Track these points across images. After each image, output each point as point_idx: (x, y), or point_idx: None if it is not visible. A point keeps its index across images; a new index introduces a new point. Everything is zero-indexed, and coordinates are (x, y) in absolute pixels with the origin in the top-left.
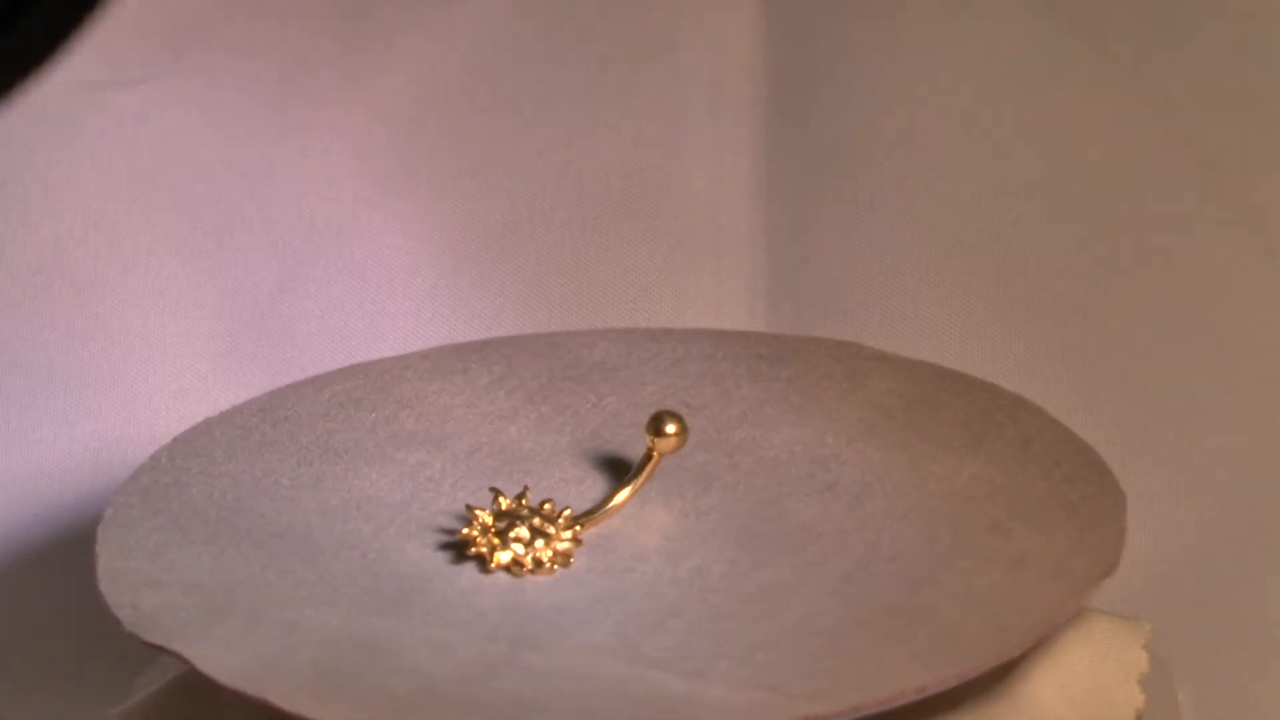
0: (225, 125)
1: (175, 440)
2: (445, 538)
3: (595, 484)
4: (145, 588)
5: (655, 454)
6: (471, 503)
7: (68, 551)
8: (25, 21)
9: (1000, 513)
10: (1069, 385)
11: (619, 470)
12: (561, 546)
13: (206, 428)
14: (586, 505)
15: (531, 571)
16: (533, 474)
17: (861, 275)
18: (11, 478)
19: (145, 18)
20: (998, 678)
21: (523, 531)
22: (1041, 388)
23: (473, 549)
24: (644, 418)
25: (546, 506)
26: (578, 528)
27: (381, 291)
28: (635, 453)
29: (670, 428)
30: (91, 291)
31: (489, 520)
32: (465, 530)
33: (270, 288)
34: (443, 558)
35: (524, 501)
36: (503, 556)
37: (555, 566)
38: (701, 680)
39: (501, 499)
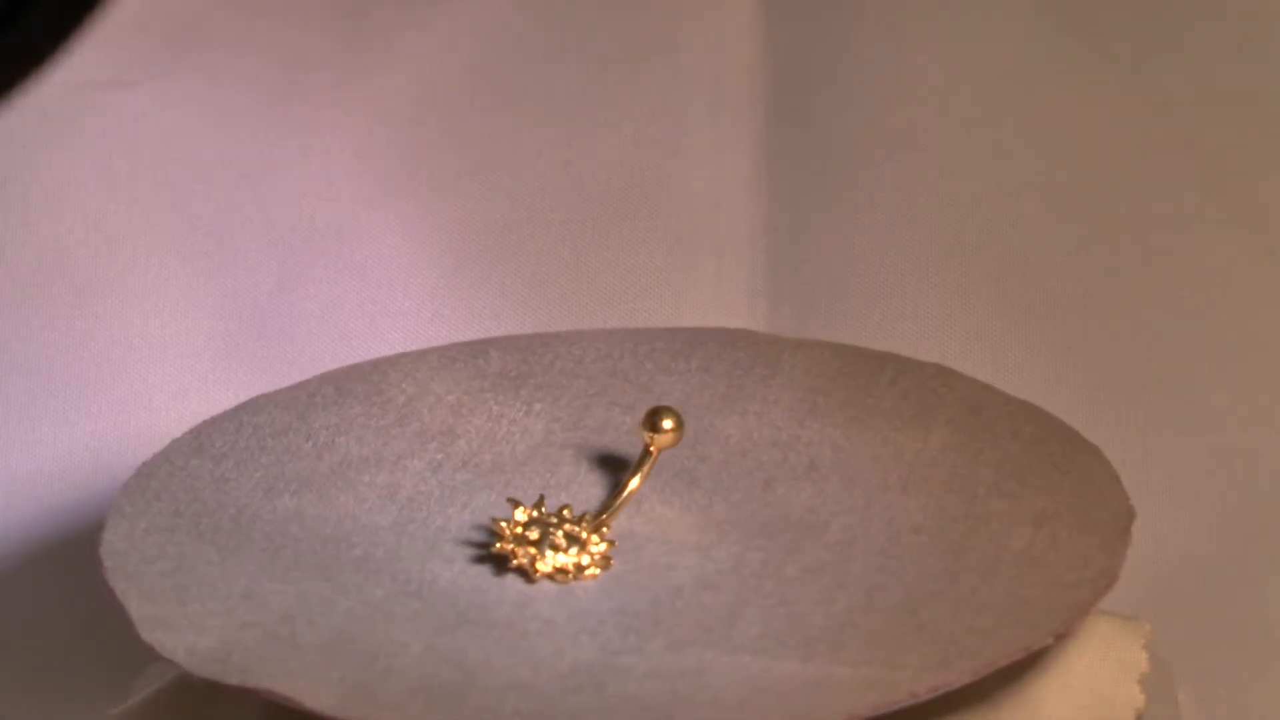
0: (225, 125)
1: (174, 443)
2: (473, 551)
3: (591, 484)
4: (191, 630)
5: (654, 450)
6: (480, 511)
7: (68, 552)
8: (25, 21)
9: (992, 476)
10: (1069, 385)
11: (608, 469)
12: (598, 550)
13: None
14: (586, 506)
15: (575, 577)
16: (531, 474)
17: (861, 275)
18: (11, 478)
19: (145, 18)
20: (998, 679)
21: (559, 538)
22: (1041, 388)
23: (514, 561)
24: (611, 416)
25: (566, 512)
26: (605, 529)
27: (381, 291)
28: (621, 451)
29: (667, 423)
30: (91, 291)
31: (519, 530)
32: (499, 545)
33: (270, 288)
34: (478, 572)
35: (543, 509)
36: (546, 565)
37: (597, 570)
38: (815, 662)
39: (521, 509)
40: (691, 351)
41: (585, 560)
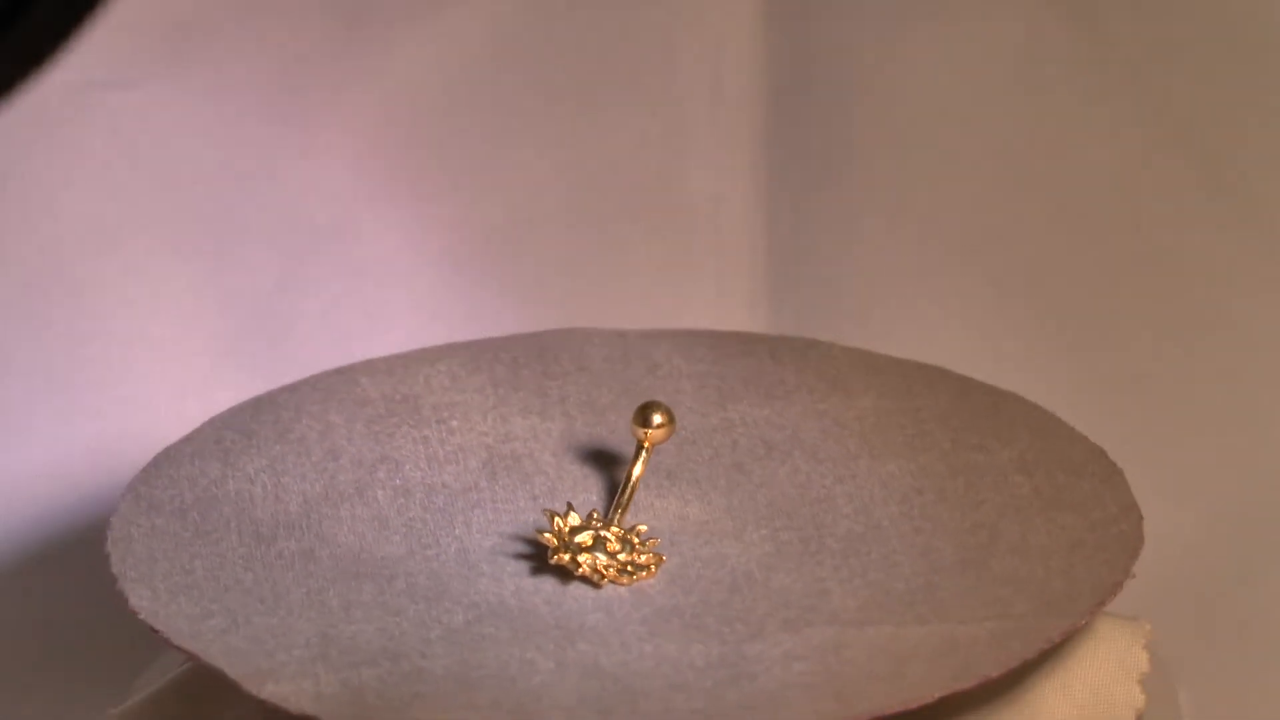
0: (225, 125)
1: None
2: (517, 564)
3: (588, 483)
4: (305, 679)
5: (648, 445)
6: (492, 521)
7: (67, 552)
8: (25, 21)
9: (945, 431)
10: (1069, 385)
11: (601, 468)
12: (649, 549)
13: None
14: (587, 505)
15: (638, 577)
16: (530, 477)
17: (861, 275)
18: (11, 478)
19: (145, 18)
20: (998, 679)
21: (613, 542)
22: (1041, 388)
23: (579, 570)
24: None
25: (594, 515)
26: (642, 528)
27: (381, 291)
28: (611, 448)
29: (658, 418)
30: (91, 291)
31: (568, 538)
32: (556, 556)
33: (270, 288)
34: (537, 585)
35: (572, 514)
36: (611, 570)
37: (656, 569)
38: (932, 625)
39: (558, 518)
40: (540, 352)
41: (642, 559)
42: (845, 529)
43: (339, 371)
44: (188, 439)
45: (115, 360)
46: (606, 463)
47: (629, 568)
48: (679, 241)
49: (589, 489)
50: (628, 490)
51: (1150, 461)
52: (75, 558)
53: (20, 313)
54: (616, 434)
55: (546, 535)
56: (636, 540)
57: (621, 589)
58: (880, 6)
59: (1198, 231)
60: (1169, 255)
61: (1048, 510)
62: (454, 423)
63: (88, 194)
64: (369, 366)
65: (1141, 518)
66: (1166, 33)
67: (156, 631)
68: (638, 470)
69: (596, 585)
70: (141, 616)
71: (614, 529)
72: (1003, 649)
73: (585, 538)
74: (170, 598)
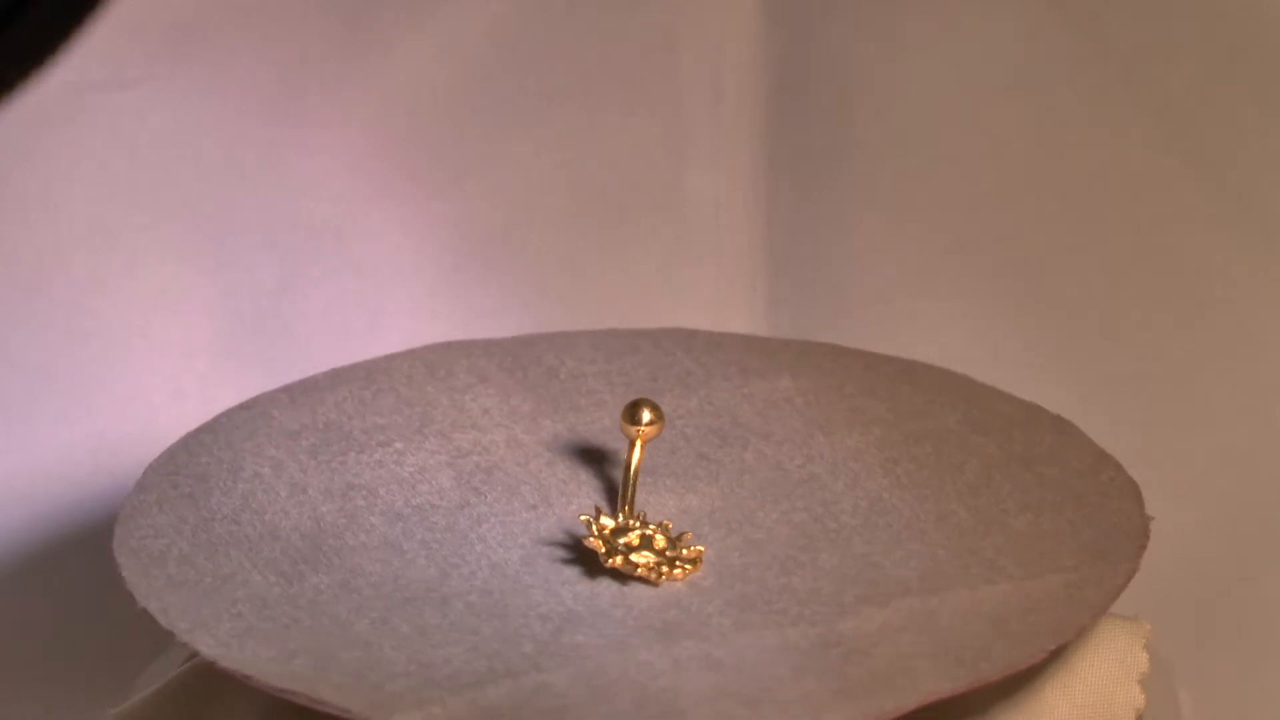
0: (225, 125)
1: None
2: (559, 568)
3: (586, 483)
4: (417, 710)
5: (640, 442)
6: (507, 525)
7: (67, 552)
8: (25, 21)
9: (880, 405)
10: (1069, 385)
11: (596, 467)
12: (687, 543)
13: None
14: (587, 504)
15: (689, 572)
16: (516, 486)
17: (861, 275)
18: (11, 478)
19: (145, 18)
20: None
21: (659, 540)
22: (1042, 388)
23: (637, 571)
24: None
25: (635, 514)
26: (668, 524)
27: (381, 291)
28: (603, 446)
29: (646, 415)
30: (91, 291)
31: (613, 541)
32: (610, 560)
33: (270, 288)
34: (595, 589)
35: (603, 516)
36: (668, 567)
37: (701, 561)
38: (1000, 583)
39: (594, 524)
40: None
41: (685, 553)
42: (850, 504)
43: (244, 407)
44: (140, 488)
45: (115, 360)
46: (587, 462)
47: (677, 563)
48: (679, 241)
49: (578, 492)
50: (630, 487)
51: (1150, 461)
52: (75, 558)
53: (20, 312)
54: (566, 435)
55: (591, 540)
56: (676, 536)
57: (677, 584)
58: (880, 6)
59: (1198, 231)
60: (1169, 255)
61: (1029, 466)
62: (397, 445)
63: (88, 194)
64: (271, 399)
65: (1119, 464)
66: (1166, 33)
67: (248, 677)
68: (635, 467)
69: (654, 583)
70: (223, 665)
71: (652, 528)
72: (1081, 599)
73: (632, 537)
74: (240, 644)
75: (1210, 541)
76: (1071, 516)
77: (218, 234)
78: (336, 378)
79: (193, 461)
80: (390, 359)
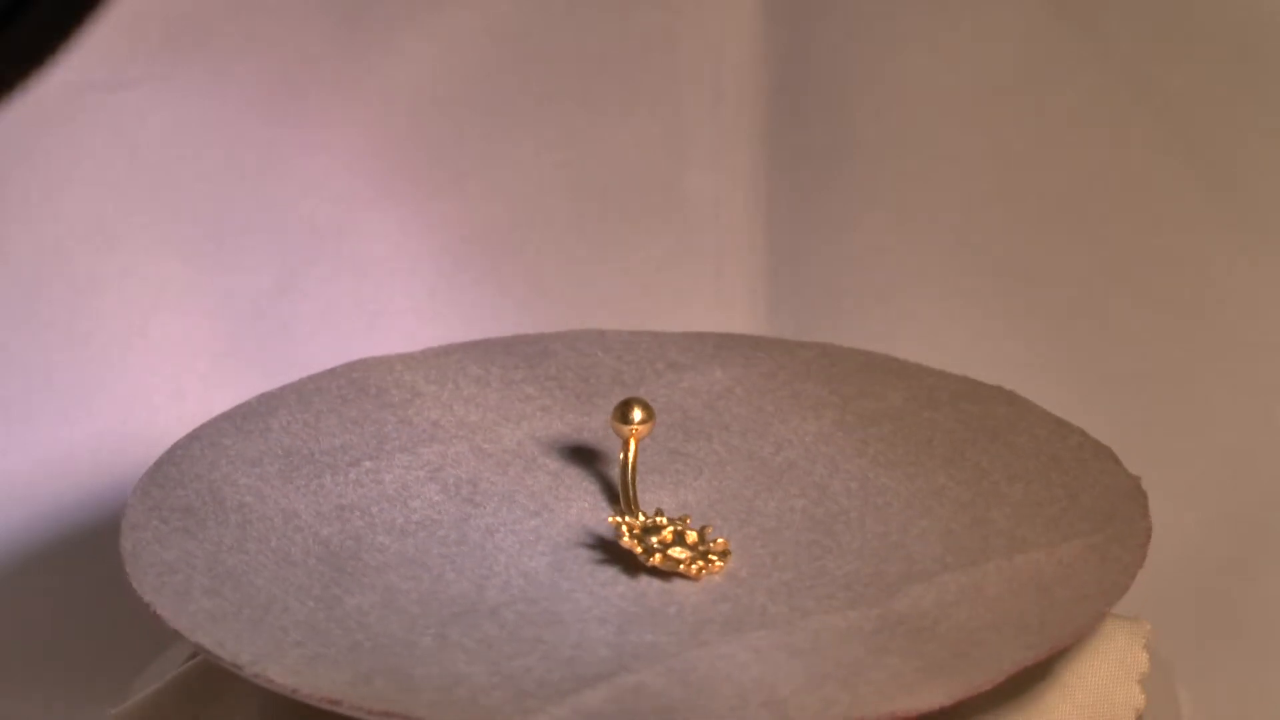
0: (225, 125)
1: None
2: (592, 570)
3: (569, 489)
4: (487, 715)
5: (634, 440)
6: (517, 538)
7: (67, 552)
8: (25, 21)
9: (821, 389)
10: (1069, 385)
11: (592, 466)
12: (711, 536)
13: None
14: (587, 503)
15: (722, 566)
16: (511, 494)
17: (862, 275)
18: (11, 478)
19: (145, 18)
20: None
21: (690, 535)
22: (1042, 388)
23: (680, 568)
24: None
25: (660, 512)
26: (688, 519)
27: (381, 291)
28: (597, 446)
29: (638, 414)
30: (91, 291)
31: (646, 540)
32: (651, 559)
33: (270, 288)
34: (639, 589)
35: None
36: (706, 562)
37: (730, 557)
38: (1030, 551)
39: (622, 525)
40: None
41: (718, 548)
42: (842, 487)
43: (192, 438)
44: (131, 524)
45: (115, 360)
46: (567, 465)
47: (709, 556)
48: (679, 241)
49: (571, 495)
50: (630, 487)
51: (1150, 461)
52: (75, 558)
53: (20, 313)
54: (530, 442)
55: (626, 540)
56: (706, 534)
57: (716, 577)
58: (880, 6)
59: (1198, 231)
60: (1169, 255)
61: (996, 436)
62: (366, 463)
63: (88, 194)
64: (216, 429)
65: (1082, 430)
66: (1166, 33)
67: (336, 703)
68: (632, 464)
69: (695, 578)
70: (305, 693)
71: (677, 524)
72: (1114, 560)
73: (666, 534)
74: (313, 671)
75: (1210, 541)
76: (1061, 482)
77: (218, 234)
78: (268, 401)
79: (170, 496)
80: (314, 379)
